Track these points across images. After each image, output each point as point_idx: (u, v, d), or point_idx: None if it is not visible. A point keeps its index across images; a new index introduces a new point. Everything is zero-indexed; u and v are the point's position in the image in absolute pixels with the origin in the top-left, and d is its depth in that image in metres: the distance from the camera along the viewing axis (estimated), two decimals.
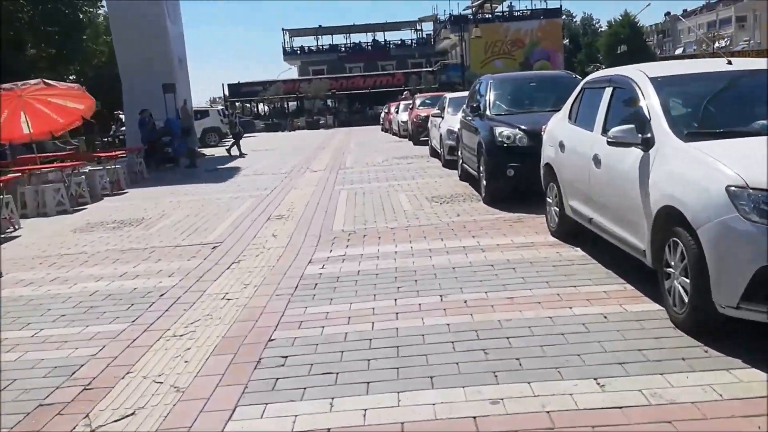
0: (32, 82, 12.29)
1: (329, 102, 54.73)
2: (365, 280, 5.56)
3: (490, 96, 9.68)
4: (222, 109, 34.56)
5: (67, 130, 14.31)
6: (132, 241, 8.20)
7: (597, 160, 5.02)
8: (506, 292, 4.88)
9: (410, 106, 23.79)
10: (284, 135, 38.66)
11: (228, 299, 5.36)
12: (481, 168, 9.10)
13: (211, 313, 5.02)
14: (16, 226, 9.76)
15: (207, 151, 25.82)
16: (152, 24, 22.99)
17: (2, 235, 9.13)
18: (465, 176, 11.27)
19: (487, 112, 9.40)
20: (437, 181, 11.80)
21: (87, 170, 13.70)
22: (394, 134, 28.81)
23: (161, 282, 6.07)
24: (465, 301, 4.75)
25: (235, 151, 22.03)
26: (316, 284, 5.57)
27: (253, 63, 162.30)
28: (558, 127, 6.34)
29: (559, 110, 7.39)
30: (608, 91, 5.23)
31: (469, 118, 10.40)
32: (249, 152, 23.42)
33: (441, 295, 4.93)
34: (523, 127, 8.24)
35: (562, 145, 6.01)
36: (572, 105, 6.14)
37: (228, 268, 6.40)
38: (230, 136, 22.45)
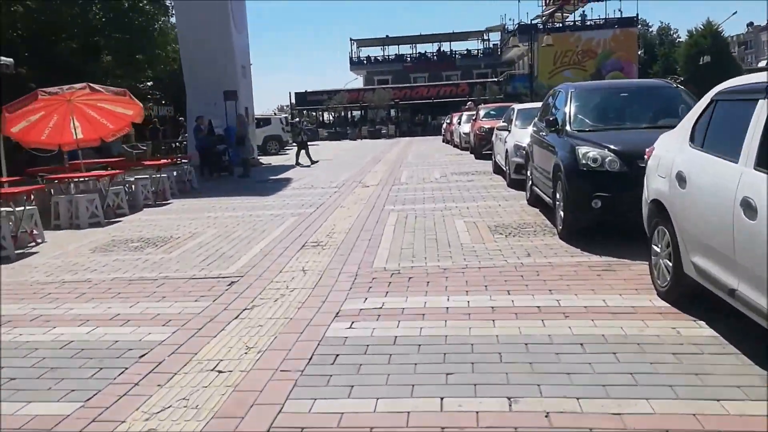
0: (78, 86, 11.29)
1: (392, 112, 53.47)
2: (403, 356, 3.96)
3: (571, 108, 7.92)
4: (286, 117, 33.71)
5: (117, 137, 13.22)
6: (146, 267, 6.89)
7: (749, 206, 3.28)
8: (610, 401, 3.17)
9: (473, 117, 22.07)
10: (346, 144, 37.50)
11: (218, 371, 3.89)
12: (558, 195, 7.36)
13: (188, 397, 3.56)
14: (38, 241, 8.67)
15: (266, 160, 24.82)
16: (217, 30, 22.21)
17: (20, 251, 8.03)
18: (534, 200, 9.53)
19: (567, 128, 7.65)
20: (501, 204, 10.09)
21: (133, 179, 12.69)
22: (455, 146, 27.15)
23: (150, 334, 4.66)
24: (547, 414, 3.09)
25: (304, 160, 20.75)
26: (336, 356, 4.02)
27: (320, 72, 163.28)
28: (673, 151, 4.58)
29: (661, 127, 5.64)
30: (765, 105, 3.46)
31: (543, 133, 8.67)
32: (304, 161, 22.27)
33: (510, 399, 3.28)
34: (613, 147, 6.47)
35: (681, 178, 4.26)
36: (696, 123, 4.38)
37: (236, 317, 4.94)
38: (294, 145, 21.13)
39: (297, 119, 19.59)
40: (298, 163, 20.35)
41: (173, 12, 28.76)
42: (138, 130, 29.17)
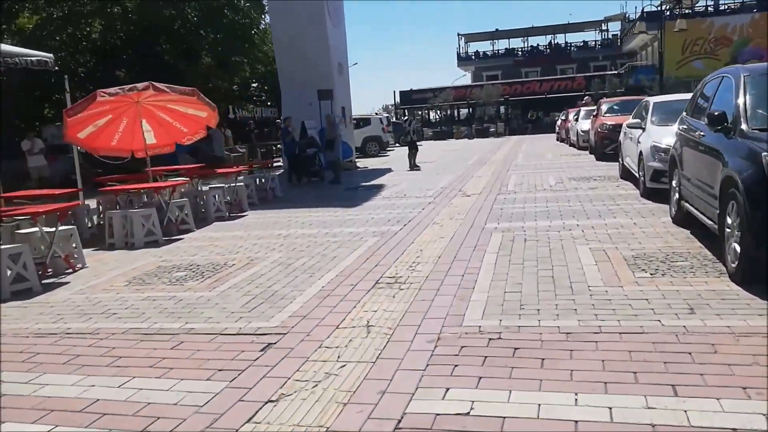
0: (141, 86, 10.32)
1: (501, 109, 50.88)
2: None
3: (747, 99, 5.68)
4: (387, 117, 32.37)
5: (193, 141, 12.22)
6: (176, 311, 5.48)
7: None
8: None
9: (594, 113, 19.47)
10: (451, 144, 35.58)
11: None
12: (730, 219, 5.20)
13: None
14: (77, 267, 7.58)
15: (364, 162, 23.49)
16: (312, 26, 21.17)
17: (50, 281, 6.96)
18: (683, 218, 7.30)
19: (743, 126, 5.44)
20: (637, 223, 7.90)
21: (207, 188, 11.64)
22: (572, 145, 24.54)
23: None
24: None
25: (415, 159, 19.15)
26: None
27: (427, 70, 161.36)
28: None
29: None
30: None
31: (700, 133, 6.47)
32: (403, 164, 20.64)
33: None
34: None
35: None
36: None
37: (250, 419, 3.32)
38: (395, 146, 19.46)
39: (405, 118, 17.79)
40: (414, 166, 18.64)
41: (268, 9, 28.34)
42: (237, 132, 29.04)
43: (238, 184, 11.71)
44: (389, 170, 19.08)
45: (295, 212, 11.21)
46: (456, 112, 52.54)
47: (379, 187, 14.41)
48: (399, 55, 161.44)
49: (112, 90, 10.26)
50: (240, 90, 35.40)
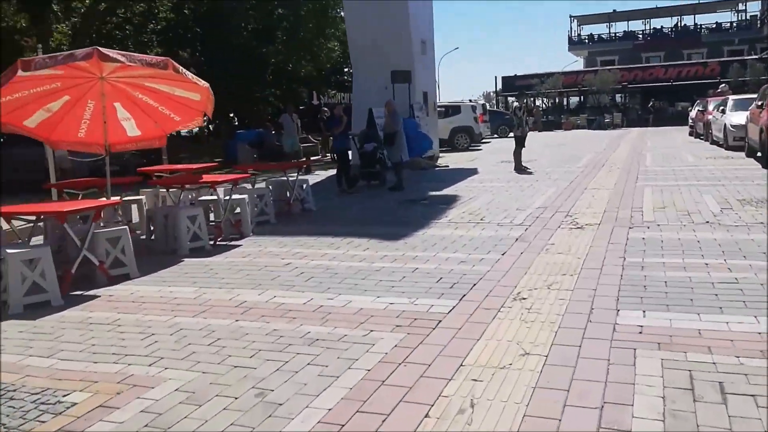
0: (81, 52, 6.70)
1: (618, 97, 44.42)
2: None
3: None
4: (483, 104, 27.76)
5: (191, 127, 8.55)
6: None
7: None
8: None
9: (760, 103, 14.07)
10: (557, 136, 30.28)
11: None
12: None
13: None
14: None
15: (449, 159, 19.17)
16: None
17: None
18: None
19: None
20: None
21: (186, 205, 8.03)
22: (714, 142, 19.07)
23: None
24: None
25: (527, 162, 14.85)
26: None
27: (533, 54, 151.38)
28: None
29: None
30: None
31: None
32: (495, 164, 16.19)
33: None
34: None
35: None
36: None
37: None
38: (515, 139, 14.74)
39: (516, 103, 13.36)
40: (523, 168, 14.25)
41: None
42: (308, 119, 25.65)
43: (236, 197, 7.92)
44: (474, 171, 14.73)
45: (304, 244, 7.29)
46: (566, 100, 46.61)
47: (451, 201, 10.18)
48: (502, 39, 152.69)
49: (40, 58, 6.75)
50: (325, 74, 32.10)
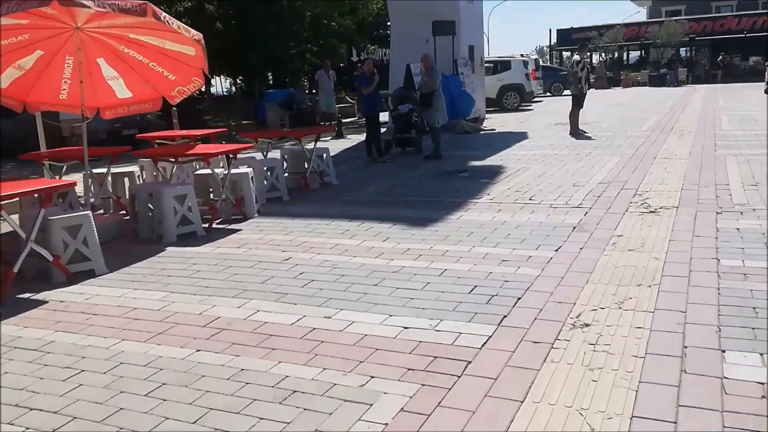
0: None
1: (683, 51, 41.14)
2: None
3: None
4: (536, 59, 25.71)
5: (189, 93, 7.37)
6: None
7: None
8: None
9: None
10: (617, 94, 27.97)
11: None
12: None
13: None
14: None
15: (496, 120, 17.57)
16: None
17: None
18: None
19: None
20: None
21: (168, 186, 6.91)
22: None
23: None
24: None
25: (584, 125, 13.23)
26: None
27: (590, 5, 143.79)
28: None
29: None
30: None
31: None
32: (548, 126, 14.57)
33: None
34: None
35: None
36: None
37: None
38: (572, 98, 13.00)
39: (576, 56, 11.61)
40: (580, 132, 12.73)
41: None
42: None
43: (235, 171, 6.75)
44: (524, 136, 13.17)
45: (314, 230, 6.10)
46: (626, 54, 43.53)
47: (495, 173, 8.78)
48: None
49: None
50: (367, 28, 30.38)
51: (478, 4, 17.68)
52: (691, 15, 42.21)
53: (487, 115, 17.99)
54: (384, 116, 12.73)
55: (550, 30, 49.85)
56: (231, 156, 6.55)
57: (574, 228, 5.69)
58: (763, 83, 24.47)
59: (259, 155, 8.55)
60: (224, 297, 4.29)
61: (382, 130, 11.72)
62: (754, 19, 39.59)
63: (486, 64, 19.40)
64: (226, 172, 6.65)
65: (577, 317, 3.70)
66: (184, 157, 6.50)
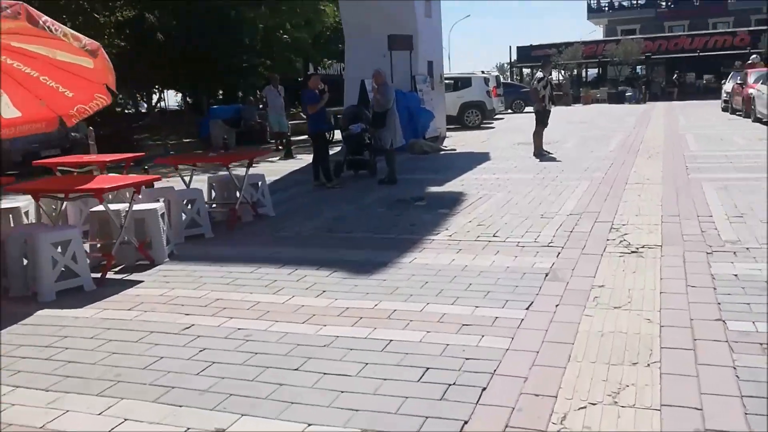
0: None
1: (638, 69, 41.43)
2: None
3: None
4: (497, 76, 25.12)
5: (91, 112, 6.16)
6: None
7: None
8: None
9: None
10: (578, 111, 27.60)
11: None
12: None
13: None
14: None
15: (456, 139, 16.74)
16: None
17: None
18: None
19: None
20: None
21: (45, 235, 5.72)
22: (758, 119, 16.61)
23: None
24: None
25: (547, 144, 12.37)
26: None
27: (550, 23, 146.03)
28: None
29: None
30: None
31: None
32: (510, 146, 13.78)
33: None
34: None
35: None
36: None
37: None
38: (535, 116, 12.15)
39: (539, 73, 10.72)
40: (544, 153, 11.91)
41: None
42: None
43: (140, 207, 5.61)
44: (486, 157, 12.32)
45: (232, 282, 5.02)
46: (584, 71, 43.64)
47: (455, 201, 7.83)
48: (516, 6, 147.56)
49: None
50: (323, 42, 29.44)
51: (436, 18, 16.91)
52: (646, 34, 42.67)
53: (447, 134, 17.18)
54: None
55: (510, 47, 49.92)
56: (134, 190, 5.43)
57: (546, 275, 4.76)
58: (719, 101, 24.45)
59: (180, 184, 7.40)
60: (85, 394, 3.16)
61: (334, 150, 10.73)
62: (706, 38, 40.24)
63: (446, 81, 18.65)
64: (127, 208, 5.52)
65: (561, 422, 2.73)
66: (74, 192, 5.35)
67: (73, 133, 15.06)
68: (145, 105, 31.02)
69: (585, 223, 6.35)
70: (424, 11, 15.94)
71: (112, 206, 5.81)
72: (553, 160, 11.29)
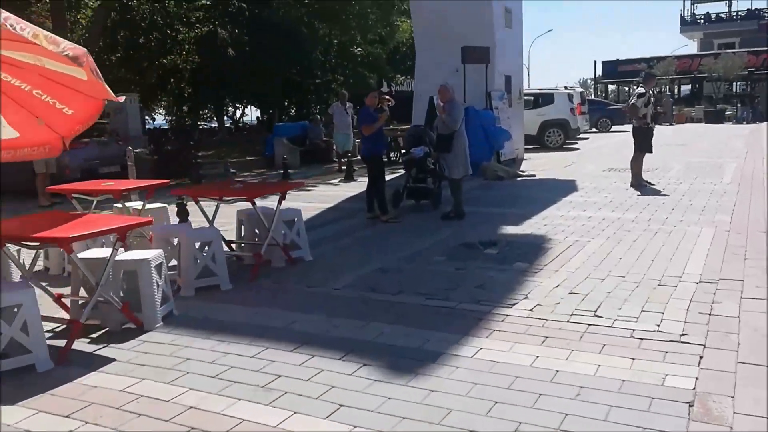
0: None
1: (739, 86, 37.71)
2: None
3: None
4: (581, 92, 22.84)
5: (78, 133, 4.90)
6: None
7: None
8: None
9: None
10: (672, 131, 24.67)
11: None
12: None
13: None
14: None
15: (536, 162, 14.79)
16: None
17: None
18: None
19: None
20: None
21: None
22: None
23: None
24: None
25: (646, 172, 10.34)
26: None
27: (636, 37, 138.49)
28: None
29: None
30: None
31: None
32: (600, 172, 11.72)
33: None
34: None
35: None
36: None
37: None
38: (635, 140, 10.11)
39: (640, 88, 8.89)
40: (644, 183, 10.00)
41: None
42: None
43: (127, 257, 4.24)
44: (572, 187, 10.37)
45: (223, 371, 3.50)
46: (677, 88, 40.20)
47: (537, 251, 6.02)
48: (598, 20, 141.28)
49: None
50: (398, 58, 28.16)
51: (517, 29, 15.10)
52: (747, 48, 38.78)
53: (525, 155, 15.26)
54: None
55: (595, 62, 46.94)
56: (117, 236, 4.04)
57: (691, 406, 2.95)
58: None
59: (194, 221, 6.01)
60: None
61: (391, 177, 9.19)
62: None
63: (525, 97, 16.74)
64: (124, 257, 4.16)
65: None
66: (33, 240, 4.03)
67: (136, 149, 14.35)
68: (229, 120, 30.78)
69: (727, 300, 4.42)
70: (504, 21, 14.19)
71: (94, 253, 4.46)
72: (658, 193, 9.23)
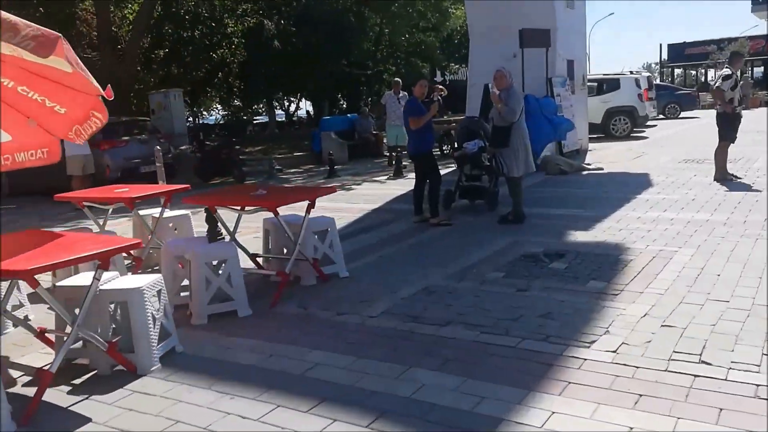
0: None
1: None
2: None
3: None
4: (648, 77, 21.05)
5: (89, 135, 4.22)
6: None
7: None
8: None
9: None
10: (746, 118, 22.50)
11: None
12: None
13: None
14: None
15: (602, 152, 13.48)
16: None
17: None
18: None
19: None
20: None
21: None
22: None
23: None
24: None
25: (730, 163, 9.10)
26: None
27: (700, 19, 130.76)
28: None
29: None
30: None
31: None
32: (675, 164, 10.38)
33: None
34: None
35: None
36: None
37: None
38: (719, 128, 8.80)
39: (726, 69, 7.78)
40: (728, 176, 8.67)
41: None
42: None
43: (114, 286, 3.52)
44: (646, 181, 9.13)
45: None
46: (750, 71, 37.22)
47: (612, 267, 4.98)
48: (661, 1, 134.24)
49: None
50: (453, 46, 26.97)
51: (579, 11, 13.77)
52: None
53: (590, 146, 13.97)
54: None
55: (660, 45, 44.17)
56: (99, 263, 3.31)
57: None
58: None
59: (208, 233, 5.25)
60: None
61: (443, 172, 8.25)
62: None
63: (589, 84, 15.37)
64: (105, 287, 3.42)
65: None
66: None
67: (181, 147, 13.90)
68: (283, 114, 30.36)
69: None
70: (566, 2, 12.93)
71: (80, 279, 3.76)
72: (748, 189, 7.93)
